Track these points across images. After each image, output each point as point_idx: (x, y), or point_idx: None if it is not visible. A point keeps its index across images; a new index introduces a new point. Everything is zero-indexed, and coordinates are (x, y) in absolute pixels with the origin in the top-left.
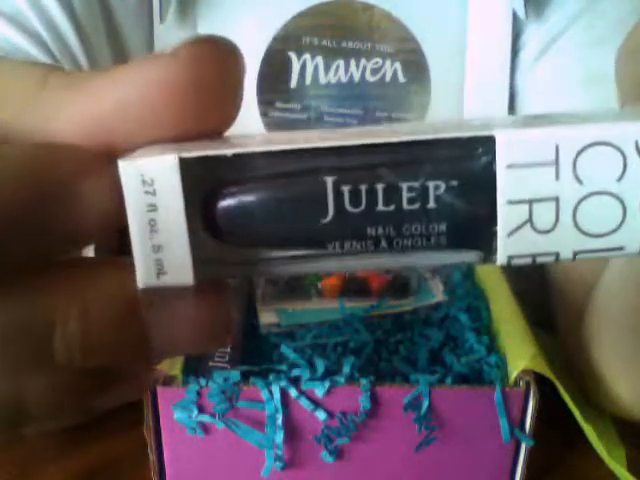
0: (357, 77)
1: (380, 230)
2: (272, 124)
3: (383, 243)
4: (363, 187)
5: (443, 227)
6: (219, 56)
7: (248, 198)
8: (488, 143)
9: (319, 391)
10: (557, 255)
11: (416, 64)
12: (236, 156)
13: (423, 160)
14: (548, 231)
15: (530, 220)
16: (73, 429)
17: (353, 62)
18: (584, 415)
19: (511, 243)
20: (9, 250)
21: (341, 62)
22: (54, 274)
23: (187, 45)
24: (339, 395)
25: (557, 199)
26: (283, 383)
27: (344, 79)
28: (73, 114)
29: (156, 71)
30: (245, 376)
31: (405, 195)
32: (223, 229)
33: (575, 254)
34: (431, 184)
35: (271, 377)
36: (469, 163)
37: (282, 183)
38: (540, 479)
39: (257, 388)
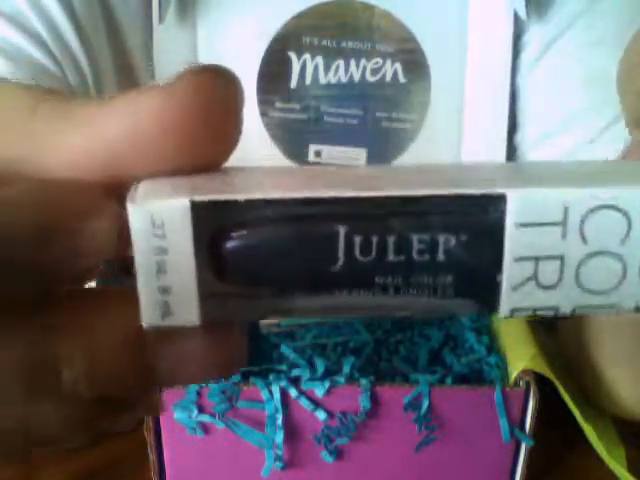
0: (357, 77)
1: (389, 279)
2: (272, 124)
3: (390, 292)
4: (374, 238)
5: (450, 279)
6: (217, 87)
7: (257, 242)
8: (499, 200)
9: (319, 391)
10: (557, 310)
11: (416, 64)
12: (248, 201)
13: (435, 213)
14: (551, 287)
15: (535, 276)
16: None
17: (353, 62)
18: (584, 415)
19: (515, 297)
20: (12, 287)
21: (341, 62)
22: (59, 307)
23: (184, 76)
24: (339, 395)
25: (562, 257)
26: (283, 383)
27: (344, 79)
28: (65, 146)
29: (152, 103)
30: (245, 376)
31: (415, 247)
32: (230, 271)
33: (574, 309)
34: (441, 237)
35: (271, 377)
36: (479, 219)
37: (293, 229)
38: (540, 479)
39: (257, 388)
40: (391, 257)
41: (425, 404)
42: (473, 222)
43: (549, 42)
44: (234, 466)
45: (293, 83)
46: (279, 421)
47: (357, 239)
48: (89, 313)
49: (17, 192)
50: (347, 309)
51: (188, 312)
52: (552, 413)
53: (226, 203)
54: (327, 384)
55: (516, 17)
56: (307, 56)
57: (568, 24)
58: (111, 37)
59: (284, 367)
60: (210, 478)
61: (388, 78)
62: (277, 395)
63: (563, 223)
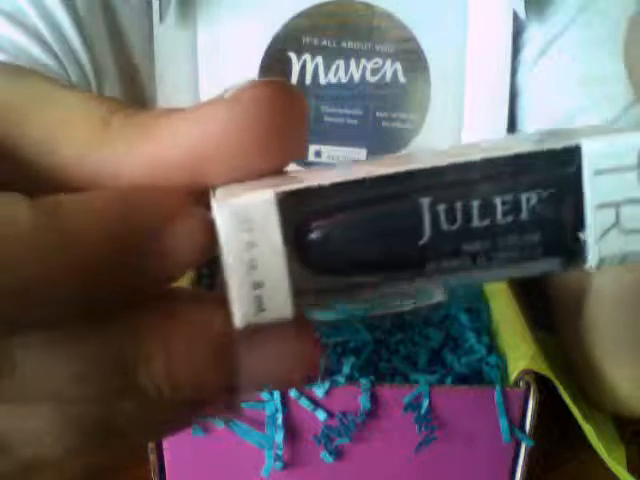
0: (357, 77)
1: (476, 246)
2: None
3: (480, 258)
4: (458, 205)
5: (536, 237)
6: (280, 99)
7: (344, 227)
8: (575, 152)
9: (319, 391)
10: None
11: (416, 64)
12: (332, 186)
13: (515, 173)
14: (635, 231)
15: (617, 223)
16: None
17: (353, 62)
18: (584, 415)
19: (602, 246)
20: (99, 293)
21: (341, 62)
22: (142, 309)
23: (248, 89)
24: (339, 395)
25: None
26: None
27: (344, 79)
28: (141, 155)
29: (222, 115)
30: None
31: (499, 209)
32: (318, 259)
33: None
34: (524, 196)
35: None
36: (558, 173)
37: (377, 209)
38: (540, 479)
39: None
40: (476, 222)
41: (425, 404)
42: (552, 176)
43: (548, 41)
44: (234, 466)
45: (293, 83)
46: (279, 421)
47: (441, 208)
48: (170, 315)
49: (103, 199)
50: (438, 284)
51: (281, 305)
52: (552, 413)
53: (309, 191)
54: (327, 384)
55: (515, 16)
56: (307, 56)
57: (567, 23)
58: (112, 35)
59: None
60: (210, 478)
61: (388, 78)
62: (277, 395)
63: (638, 166)
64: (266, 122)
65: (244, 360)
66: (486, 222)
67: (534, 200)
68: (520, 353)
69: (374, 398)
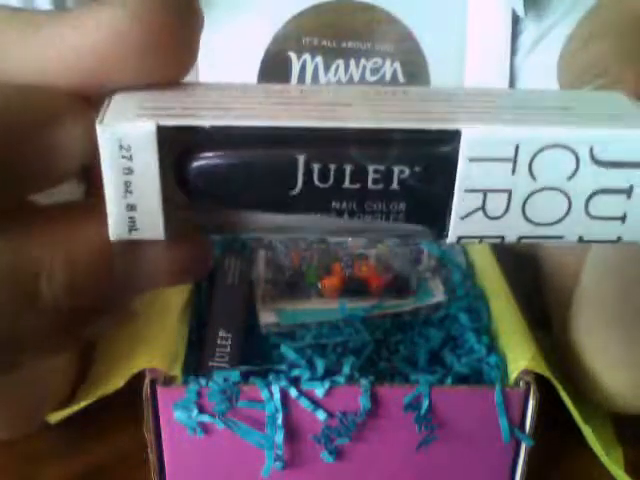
0: (357, 77)
1: (344, 204)
2: None
3: (345, 216)
4: (332, 166)
5: (402, 206)
6: (169, 5)
7: (221, 163)
8: (454, 136)
9: (319, 391)
10: (502, 238)
11: (416, 64)
12: (212, 128)
13: (391, 145)
14: (498, 217)
15: (483, 207)
16: (73, 429)
17: (353, 62)
18: (583, 415)
19: (463, 226)
20: None
21: (341, 62)
22: (35, 220)
23: None
24: (339, 395)
25: (510, 191)
26: (283, 383)
27: (344, 79)
28: (34, 54)
29: (109, 21)
30: (245, 376)
31: (371, 176)
32: (194, 189)
33: (519, 238)
34: (396, 168)
35: (271, 377)
36: (433, 152)
37: (256, 154)
38: (540, 479)
39: (257, 388)
40: (347, 184)
41: (425, 404)
42: (427, 155)
43: (539, 36)
44: (234, 466)
45: (293, 83)
46: (279, 421)
47: (315, 166)
48: (65, 223)
49: None
50: (304, 229)
51: (153, 228)
52: (552, 413)
53: (190, 129)
54: (327, 384)
55: (514, 15)
56: (307, 56)
57: (557, 18)
58: None
59: (284, 367)
60: (210, 478)
61: (388, 78)
62: (277, 395)
63: (513, 160)
64: (151, 24)
65: (126, 265)
66: (357, 185)
67: (406, 174)
68: (520, 353)
69: (374, 398)
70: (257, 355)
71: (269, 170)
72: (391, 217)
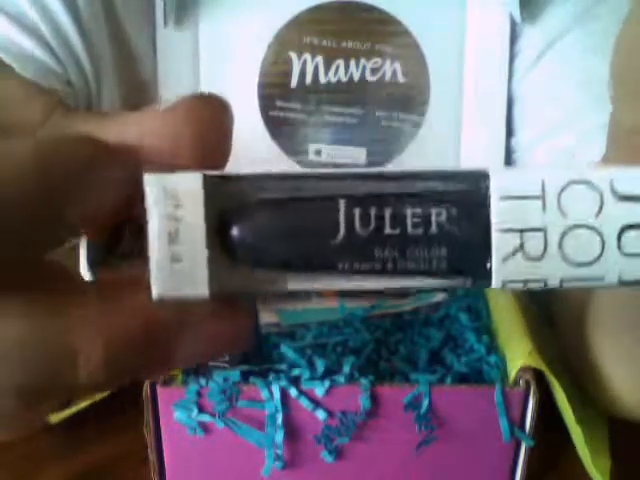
0: (357, 77)
1: (387, 252)
2: (272, 123)
3: (389, 265)
4: (372, 211)
5: (444, 252)
6: (212, 111)
7: (264, 217)
8: (483, 177)
9: (319, 391)
10: (545, 281)
11: (415, 64)
12: (256, 176)
13: (426, 189)
14: (537, 258)
15: (522, 247)
16: (73, 429)
17: (353, 62)
18: (578, 416)
19: (505, 269)
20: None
21: (341, 62)
22: (71, 293)
23: (185, 101)
24: (339, 395)
25: (545, 230)
26: (283, 383)
27: (344, 79)
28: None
29: (158, 124)
30: (245, 376)
31: (410, 220)
32: (238, 249)
33: (562, 281)
34: (434, 211)
35: (271, 377)
36: (467, 193)
37: (297, 204)
38: (540, 479)
39: (257, 388)
40: (388, 230)
41: (425, 404)
42: (461, 196)
43: (545, 46)
44: (234, 466)
45: (293, 82)
46: (279, 421)
47: (356, 211)
48: (104, 303)
49: (18, 141)
50: (350, 287)
51: (198, 282)
52: (552, 413)
53: (236, 177)
54: (327, 384)
55: (512, 19)
56: (307, 56)
57: (564, 29)
58: (114, 39)
59: (284, 367)
60: (210, 478)
61: (388, 78)
62: (277, 395)
63: (542, 197)
64: (193, 128)
65: (169, 339)
66: (397, 231)
67: (443, 216)
68: (518, 351)
69: (374, 398)
70: (257, 355)
71: (311, 217)
72: (433, 264)
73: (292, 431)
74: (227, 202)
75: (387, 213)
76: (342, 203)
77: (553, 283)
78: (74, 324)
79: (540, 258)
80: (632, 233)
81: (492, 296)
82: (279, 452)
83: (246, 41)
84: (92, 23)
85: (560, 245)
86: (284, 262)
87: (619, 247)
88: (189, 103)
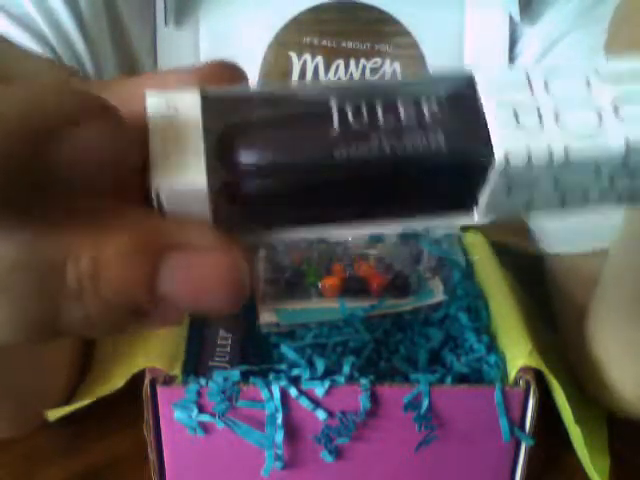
0: (357, 76)
1: (384, 139)
2: None
3: (386, 148)
4: (363, 104)
5: (441, 138)
6: (230, 76)
7: (262, 120)
8: (469, 73)
9: (319, 391)
10: (550, 151)
11: (415, 64)
12: (255, 91)
13: (414, 82)
14: (536, 130)
15: (517, 121)
16: (73, 428)
17: (353, 62)
18: (577, 416)
19: (506, 139)
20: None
21: (341, 62)
22: (79, 216)
23: (205, 65)
24: (339, 395)
25: (537, 107)
26: (283, 383)
27: (344, 79)
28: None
29: (174, 83)
30: (245, 376)
31: (402, 110)
32: (239, 159)
33: (566, 151)
34: (423, 98)
35: (271, 377)
36: (454, 82)
37: (291, 104)
38: (540, 479)
39: (257, 388)
40: (382, 121)
41: (425, 404)
42: (449, 84)
43: (545, 49)
44: (234, 466)
45: (294, 82)
46: (279, 421)
47: (348, 106)
48: (104, 225)
49: (16, 89)
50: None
51: (196, 177)
52: (552, 413)
53: (232, 93)
54: (327, 384)
55: (512, 20)
56: (307, 56)
57: (564, 31)
58: (115, 39)
59: (284, 367)
60: (210, 478)
61: (387, 78)
62: (277, 395)
63: (528, 83)
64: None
65: (165, 269)
66: (390, 120)
67: (434, 102)
68: (518, 351)
69: (374, 398)
70: (257, 355)
71: (306, 114)
72: (432, 146)
73: (292, 431)
74: (226, 117)
75: (378, 105)
76: (333, 101)
77: (558, 153)
78: (68, 237)
79: (538, 130)
80: (625, 99)
81: (492, 296)
82: (279, 452)
83: (246, 41)
84: (94, 23)
85: (556, 119)
86: (285, 166)
87: (616, 115)
88: (210, 67)
